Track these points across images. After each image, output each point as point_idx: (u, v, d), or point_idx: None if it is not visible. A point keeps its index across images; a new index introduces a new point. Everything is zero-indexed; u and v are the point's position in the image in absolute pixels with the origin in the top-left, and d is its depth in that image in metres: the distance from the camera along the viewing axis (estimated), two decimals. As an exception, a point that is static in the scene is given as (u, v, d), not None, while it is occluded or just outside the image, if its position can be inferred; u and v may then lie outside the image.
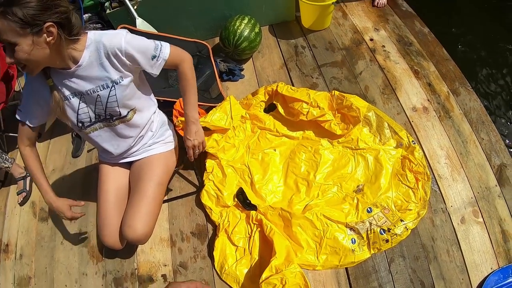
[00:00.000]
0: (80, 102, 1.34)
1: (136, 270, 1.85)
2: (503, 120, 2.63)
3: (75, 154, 2.37)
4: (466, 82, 2.25)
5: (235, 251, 1.77)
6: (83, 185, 2.24)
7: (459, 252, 1.67)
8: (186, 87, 1.49)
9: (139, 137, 1.57)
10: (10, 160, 2.27)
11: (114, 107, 1.37)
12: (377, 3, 2.78)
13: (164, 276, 1.81)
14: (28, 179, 2.34)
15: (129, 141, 1.56)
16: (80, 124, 1.40)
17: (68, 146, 2.47)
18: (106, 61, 1.26)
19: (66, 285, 1.90)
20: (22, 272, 2.01)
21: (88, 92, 1.31)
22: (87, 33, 1.26)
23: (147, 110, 1.55)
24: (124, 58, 1.25)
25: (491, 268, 1.62)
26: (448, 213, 1.77)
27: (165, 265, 1.84)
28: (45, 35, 1.09)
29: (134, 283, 1.82)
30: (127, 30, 1.29)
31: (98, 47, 1.24)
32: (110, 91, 1.32)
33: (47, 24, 1.07)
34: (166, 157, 1.65)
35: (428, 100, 2.18)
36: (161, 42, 1.37)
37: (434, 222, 1.76)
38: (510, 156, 1.92)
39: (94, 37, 1.24)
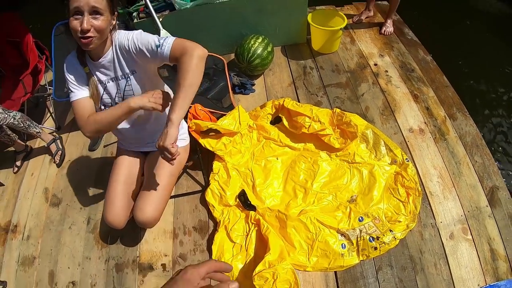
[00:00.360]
0: (104, 88, 1.53)
1: (138, 258, 1.98)
2: (498, 145, 2.72)
3: (92, 148, 2.55)
4: (463, 108, 2.38)
5: (232, 247, 1.89)
6: (97, 176, 2.39)
7: (446, 266, 1.74)
8: (185, 76, 1.27)
9: (156, 130, 1.72)
10: (39, 126, 2.49)
11: (131, 95, 1.52)
12: (384, 31, 2.98)
13: (163, 265, 1.92)
14: (58, 141, 2.58)
15: (146, 129, 1.71)
16: (103, 107, 1.57)
17: (86, 140, 2.64)
18: (121, 57, 1.44)
19: (69, 267, 2.02)
20: (27, 251, 2.13)
21: (109, 80, 1.50)
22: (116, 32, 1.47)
23: None
24: (133, 53, 1.42)
25: (478, 285, 1.68)
26: (438, 228, 1.86)
27: (166, 256, 1.96)
28: (114, 16, 1.39)
29: (134, 269, 1.94)
30: (140, 31, 1.45)
31: (115, 44, 1.44)
32: (126, 82, 1.50)
33: (116, 12, 1.40)
34: (180, 152, 1.78)
35: (425, 123, 2.32)
36: (166, 37, 1.43)
37: (423, 235, 1.85)
38: (503, 179, 2.01)
39: (117, 36, 1.45)
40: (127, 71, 1.47)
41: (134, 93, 1.52)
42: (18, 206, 2.37)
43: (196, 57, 1.26)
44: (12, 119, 2.28)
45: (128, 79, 1.49)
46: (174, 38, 1.32)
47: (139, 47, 1.37)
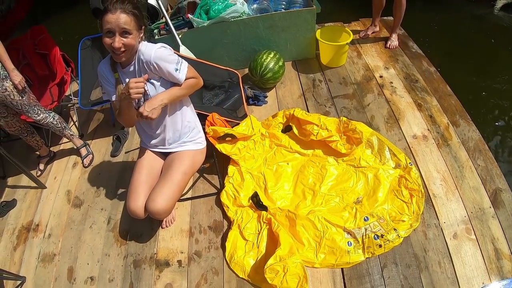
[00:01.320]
0: None
1: (155, 255, 2.09)
2: (502, 150, 2.78)
3: (114, 154, 2.71)
4: (466, 115, 2.48)
5: (245, 245, 2.01)
6: (118, 179, 2.54)
7: (450, 264, 1.79)
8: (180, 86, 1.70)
9: (175, 131, 1.89)
10: (72, 131, 2.66)
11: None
12: (389, 45, 3.13)
13: (179, 262, 2.04)
14: (87, 146, 2.75)
15: (166, 132, 1.88)
16: None
17: (108, 147, 2.81)
18: (142, 67, 1.63)
19: (88, 263, 2.11)
20: (48, 249, 2.22)
21: None
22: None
23: (179, 111, 1.87)
24: (152, 67, 1.62)
25: (483, 283, 1.72)
26: (441, 228, 1.93)
27: (182, 252, 2.07)
28: (141, 31, 1.57)
29: (151, 265, 2.05)
30: (162, 45, 1.66)
31: (138, 54, 1.63)
32: (148, 86, 1.69)
33: (143, 27, 1.57)
34: (194, 154, 1.95)
35: (428, 130, 2.43)
36: (181, 60, 1.71)
37: (427, 235, 1.92)
38: (506, 182, 2.06)
39: (140, 47, 1.64)
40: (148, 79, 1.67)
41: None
42: (41, 207, 2.48)
43: (197, 85, 1.76)
44: (52, 118, 2.45)
45: (151, 84, 1.69)
46: (187, 64, 1.68)
47: (159, 67, 1.61)
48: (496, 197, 2.01)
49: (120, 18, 1.45)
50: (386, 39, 3.25)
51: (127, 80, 1.66)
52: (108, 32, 1.48)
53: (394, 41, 3.14)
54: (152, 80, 1.67)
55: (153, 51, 1.59)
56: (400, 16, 2.98)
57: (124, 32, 1.48)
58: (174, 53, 1.69)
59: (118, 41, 1.48)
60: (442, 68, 2.94)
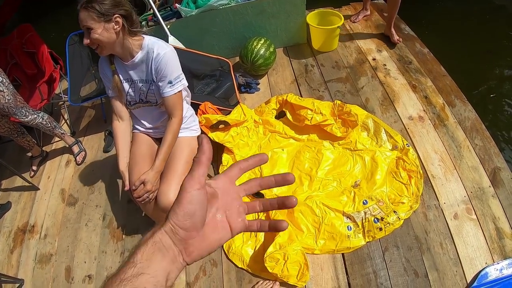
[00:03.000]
0: (130, 87, 1.71)
1: (153, 249, 2.06)
2: (499, 129, 2.77)
3: (106, 149, 2.67)
4: (461, 95, 2.45)
5: (243, 234, 1.98)
6: (111, 175, 2.50)
7: (452, 245, 1.78)
8: (167, 137, 1.67)
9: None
10: (63, 129, 2.62)
11: (152, 97, 1.72)
12: (397, 40, 2.97)
13: (178, 254, 2.00)
14: (80, 143, 2.72)
15: (163, 121, 1.86)
16: (127, 103, 1.76)
17: (100, 143, 2.76)
18: (150, 65, 1.61)
19: (85, 262, 2.09)
20: (44, 249, 2.19)
21: (136, 81, 1.68)
22: (144, 37, 1.62)
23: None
24: (158, 67, 1.59)
25: (486, 263, 1.71)
26: (441, 209, 1.91)
27: (180, 245, 2.04)
28: (113, 23, 1.47)
29: (150, 260, 2.02)
30: (172, 48, 1.63)
31: (149, 52, 1.59)
32: (150, 86, 1.67)
33: (115, 15, 1.45)
34: (192, 141, 1.92)
35: (424, 111, 2.40)
36: (182, 77, 1.68)
37: (427, 216, 1.90)
38: (504, 160, 2.05)
39: (149, 43, 1.60)
40: (151, 78, 1.64)
41: (156, 98, 1.70)
42: (35, 207, 2.45)
43: (177, 124, 1.68)
44: (41, 119, 2.40)
45: (151, 84, 1.66)
46: (179, 90, 1.64)
47: (160, 70, 1.58)
48: (495, 176, 1.99)
49: (81, 16, 1.43)
50: (377, 23, 3.20)
51: (131, 74, 1.66)
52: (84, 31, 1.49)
53: (395, 35, 2.99)
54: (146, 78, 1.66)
55: (167, 51, 1.58)
56: (395, 11, 2.84)
57: (88, 29, 1.45)
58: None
59: (86, 38, 1.47)
60: (435, 49, 2.89)
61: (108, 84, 1.73)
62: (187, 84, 1.72)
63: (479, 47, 3.36)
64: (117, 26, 1.48)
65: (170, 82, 1.61)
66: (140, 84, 1.68)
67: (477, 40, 3.39)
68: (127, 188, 1.68)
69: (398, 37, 2.95)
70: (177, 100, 1.66)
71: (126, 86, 1.71)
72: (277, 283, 1.77)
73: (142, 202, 1.66)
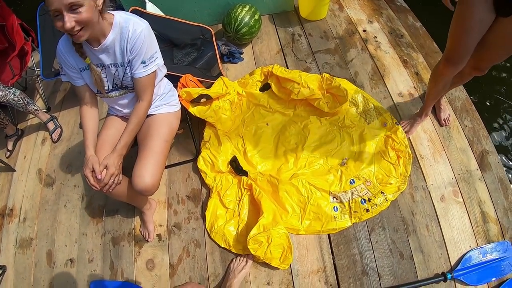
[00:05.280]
0: (101, 72, 1.51)
1: (133, 230, 1.99)
2: (489, 111, 2.73)
3: (83, 125, 2.51)
4: (453, 74, 2.36)
5: (225, 213, 1.92)
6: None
7: (438, 228, 1.78)
8: (132, 121, 1.55)
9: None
10: (37, 106, 2.48)
11: (129, 82, 1.55)
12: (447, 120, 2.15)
13: (159, 235, 1.95)
14: (55, 119, 2.58)
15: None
16: (98, 91, 1.58)
17: (76, 118, 2.61)
18: (124, 46, 1.42)
19: (66, 245, 2.03)
20: (24, 234, 2.13)
21: (108, 66, 1.49)
22: (113, 14, 1.41)
23: (157, 79, 1.68)
24: (133, 46, 1.41)
25: (470, 246, 1.73)
26: (429, 191, 1.89)
27: (161, 226, 1.98)
28: (98, 1, 1.28)
29: (130, 242, 1.96)
30: (147, 24, 1.45)
31: (124, 31, 1.40)
32: (125, 69, 1.50)
33: None
34: (170, 118, 1.78)
35: (415, 88, 2.31)
36: (158, 56, 1.53)
37: (414, 197, 1.88)
38: (492, 144, 2.02)
39: (120, 20, 1.40)
40: (127, 60, 1.46)
41: (133, 82, 1.54)
42: (13, 189, 2.35)
43: (145, 108, 1.57)
44: (13, 95, 2.26)
45: (127, 67, 1.49)
46: (152, 71, 1.50)
47: (135, 50, 1.42)
48: (483, 160, 1.97)
49: None
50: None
51: (101, 57, 1.45)
52: (56, 15, 1.22)
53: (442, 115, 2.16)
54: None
55: (143, 28, 1.40)
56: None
57: (74, 6, 1.20)
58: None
59: (69, 20, 1.21)
60: (428, 23, 2.76)
61: (72, 74, 1.52)
62: (162, 63, 1.58)
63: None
64: (101, 2, 1.29)
65: (143, 62, 1.45)
66: (114, 69, 1.49)
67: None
68: (99, 176, 1.50)
69: (447, 117, 2.14)
70: (149, 81, 1.53)
71: (98, 70, 1.51)
72: (251, 256, 1.75)
73: (109, 188, 1.51)
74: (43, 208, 2.21)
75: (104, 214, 2.08)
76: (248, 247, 1.67)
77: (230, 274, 1.73)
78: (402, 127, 2.08)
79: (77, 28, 1.25)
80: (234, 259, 1.79)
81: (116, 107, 1.70)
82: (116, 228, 2.02)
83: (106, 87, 1.56)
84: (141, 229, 1.99)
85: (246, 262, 1.75)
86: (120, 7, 2.64)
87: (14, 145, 2.58)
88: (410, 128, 2.08)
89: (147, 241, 1.94)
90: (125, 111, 1.71)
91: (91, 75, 1.50)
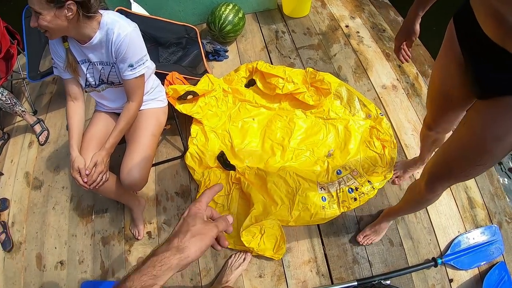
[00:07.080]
0: (88, 69, 1.54)
1: (123, 229, 1.99)
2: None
3: (69, 125, 2.50)
4: (435, 65, 2.42)
5: (215, 208, 1.91)
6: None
7: (426, 214, 1.80)
8: (122, 120, 1.56)
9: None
10: (23, 107, 2.46)
11: (115, 78, 1.56)
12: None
13: (149, 233, 1.94)
14: (42, 122, 2.55)
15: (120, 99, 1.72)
16: (86, 84, 1.60)
17: (63, 120, 2.59)
18: (109, 47, 1.43)
19: (55, 247, 2.01)
20: (13, 238, 2.09)
21: (95, 63, 1.50)
22: (102, 14, 1.42)
23: (146, 76, 1.68)
24: (118, 49, 1.42)
25: (458, 231, 1.75)
26: (415, 178, 1.91)
27: (151, 223, 1.97)
28: (65, 10, 1.27)
29: (120, 241, 1.95)
30: (135, 25, 1.47)
31: (109, 33, 1.41)
32: (111, 68, 1.51)
33: (69, 2, 1.25)
34: (158, 113, 1.79)
35: (398, 80, 2.36)
36: (146, 59, 1.54)
37: (401, 186, 1.91)
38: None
39: (107, 21, 1.41)
40: (112, 61, 1.48)
41: (119, 78, 1.55)
42: (0, 194, 2.31)
43: (135, 109, 1.59)
44: (0, 95, 2.25)
45: (113, 66, 1.51)
46: (140, 74, 1.51)
47: (121, 52, 1.42)
48: (468, 147, 2.00)
49: None
50: None
51: (89, 55, 1.48)
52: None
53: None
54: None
55: (128, 36, 1.41)
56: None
57: (36, 13, 1.27)
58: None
59: (33, 20, 1.30)
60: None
61: (61, 64, 1.53)
62: (152, 67, 1.60)
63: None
64: (70, 14, 1.29)
65: (131, 65, 1.47)
66: (100, 66, 1.51)
67: (454, 10, 3.33)
68: (87, 172, 1.49)
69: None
70: (138, 84, 1.55)
71: (83, 67, 1.53)
72: (249, 254, 1.76)
73: (97, 186, 1.51)
74: (31, 211, 2.18)
75: (93, 214, 2.07)
76: (242, 239, 1.68)
77: (227, 269, 1.72)
78: (394, 173, 1.95)
79: (43, 29, 1.32)
80: (233, 255, 1.78)
81: (104, 102, 1.71)
82: (105, 228, 2.01)
83: (94, 81, 1.58)
84: (131, 228, 1.98)
85: (244, 259, 1.75)
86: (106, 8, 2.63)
87: (0, 149, 2.55)
88: (403, 173, 1.93)
89: (137, 239, 1.94)
90: (113, 106, 1.72)
91: (65, 59, 1.51)
